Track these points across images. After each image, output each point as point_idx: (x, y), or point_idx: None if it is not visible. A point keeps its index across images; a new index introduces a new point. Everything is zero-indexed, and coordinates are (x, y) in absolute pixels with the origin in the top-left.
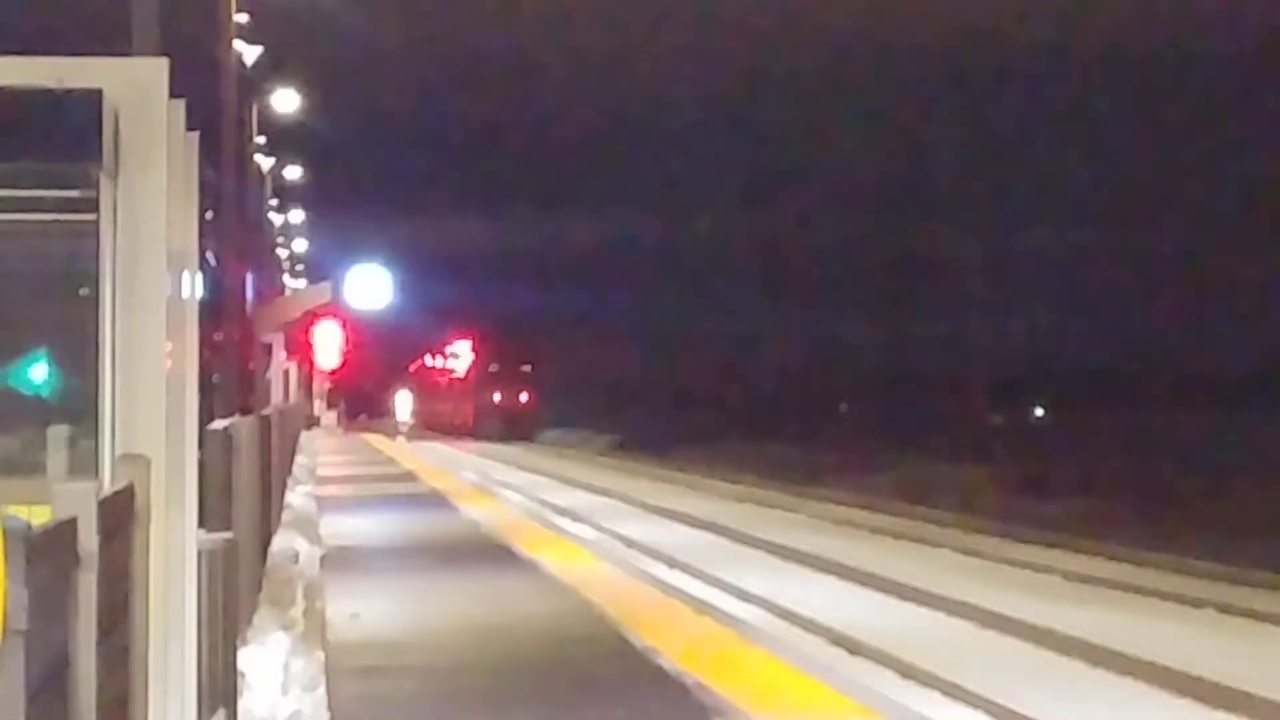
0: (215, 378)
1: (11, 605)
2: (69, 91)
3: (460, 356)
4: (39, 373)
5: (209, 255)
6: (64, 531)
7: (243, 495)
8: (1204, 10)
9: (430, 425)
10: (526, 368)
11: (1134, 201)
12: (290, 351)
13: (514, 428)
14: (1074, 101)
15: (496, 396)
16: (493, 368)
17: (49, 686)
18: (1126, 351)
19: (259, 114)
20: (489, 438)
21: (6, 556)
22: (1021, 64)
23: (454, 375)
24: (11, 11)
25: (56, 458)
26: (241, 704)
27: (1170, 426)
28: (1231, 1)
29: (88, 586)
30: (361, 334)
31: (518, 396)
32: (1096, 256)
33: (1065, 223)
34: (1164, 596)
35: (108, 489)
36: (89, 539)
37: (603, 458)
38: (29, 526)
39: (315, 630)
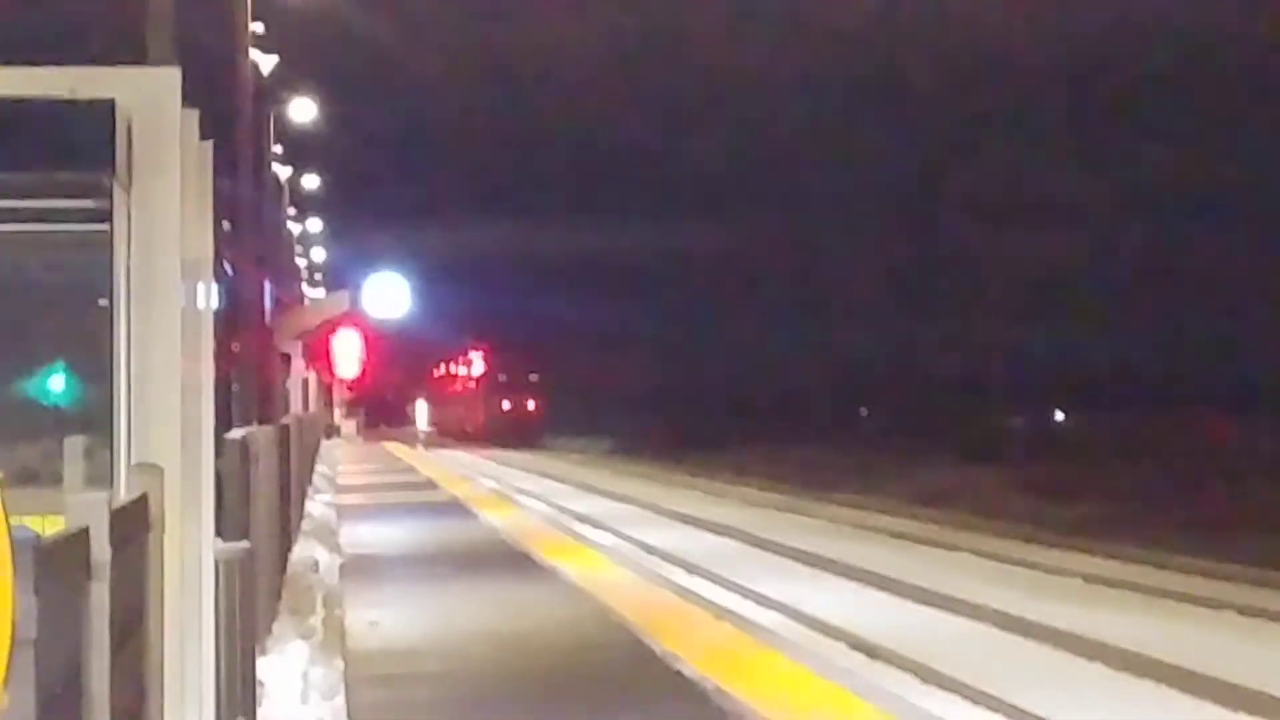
0: (234, 387)
1: (21, 615)
2: (82, 102)
3: (474, 364)
4: (57, 383)
5: (226, 265)
6: (75, 542)
7: (261, 504)
8: (1226, 12)
9: (445, 432)
10: (534, 377)
11: (1157, 202)
12: (309, 360)
13: (522, 434)
14: (1098, 100)
15: (505, 404)
16: (502, 377)
17: (61, 697)
18: (1148, 354)
19: (276, 123)
20: (499, 444)
21: (15, 567)
22: (1039, 63)
23: (467, 384)
24: (25, 22)
25: (73, 468)
26: (261, 713)
27: (1193, 429)
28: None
29: (100, 596)
30: (380, 342)
31: (525, 404)
32: (1119, 258)
33: (1087, 224)
34: (1185, 599)
35: (121, 499)
36: (101, 549)
37: (621, 464)
38: (37, 537)
39: (335, 638)
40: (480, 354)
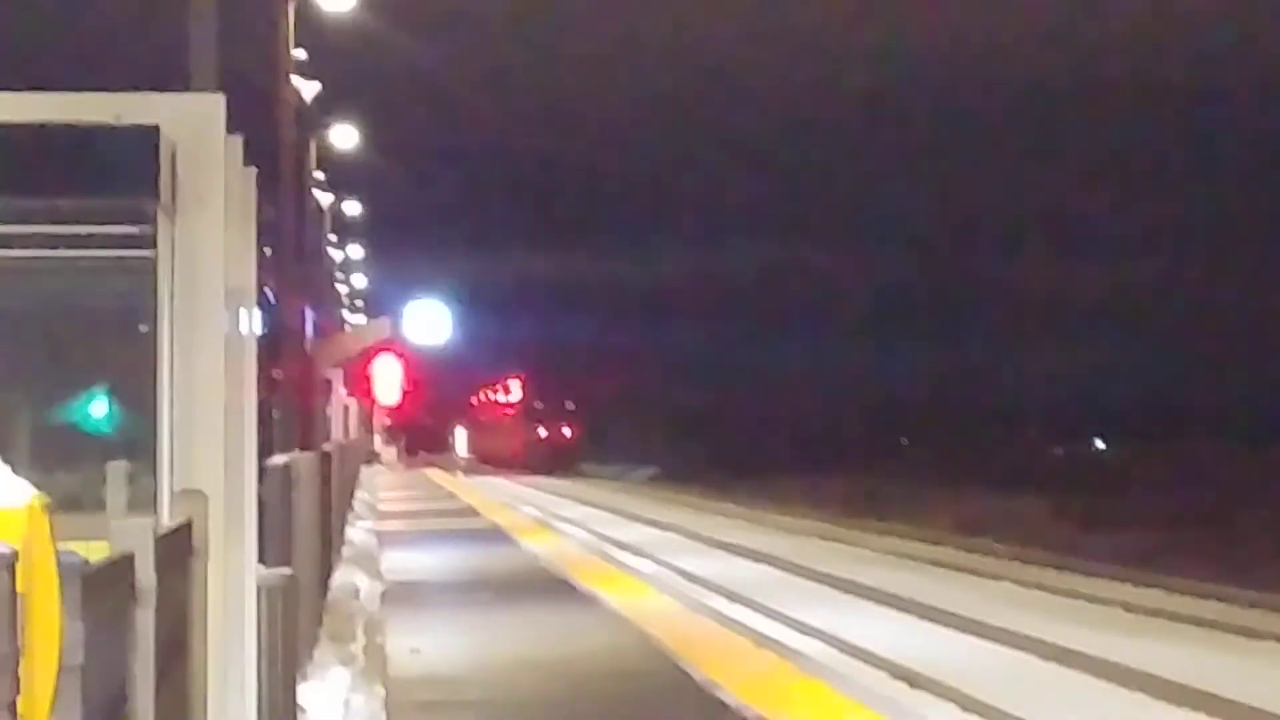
0: (275, 413)
1: (68, 641)
2: (127, 127)
3: (512, 391)
4: (99, 409)
5: (268, 291)
6: (121, 567)
7: (303, 530)
8: (1262, 44)
9: (484, 459)
10: (570, 404)
11: (1195, 233)
12: (350, 387)
13: (559, 461)
14: (1132, 133)
15: (542, 431)
16: (538, 404)
17: None
18: (1188, 383)
19: (318, 149)
20: (538, 471)
21: (63, 592)
22: (1076, 95)
23: (505, 411)
24: (72, 49)
25: (116, 494)
26: None
27: (1232, 459)
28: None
29: (145, 622)
30: (421, 369)
31: (562, 431)
32: (1159, 288)
33: (1127, 254)
34: (1225, 629)
35: (165, 525)
36: (146, 575)
37: (660, 491)
38: (85, 563)
39: (376, 665)
40: (518, 381)
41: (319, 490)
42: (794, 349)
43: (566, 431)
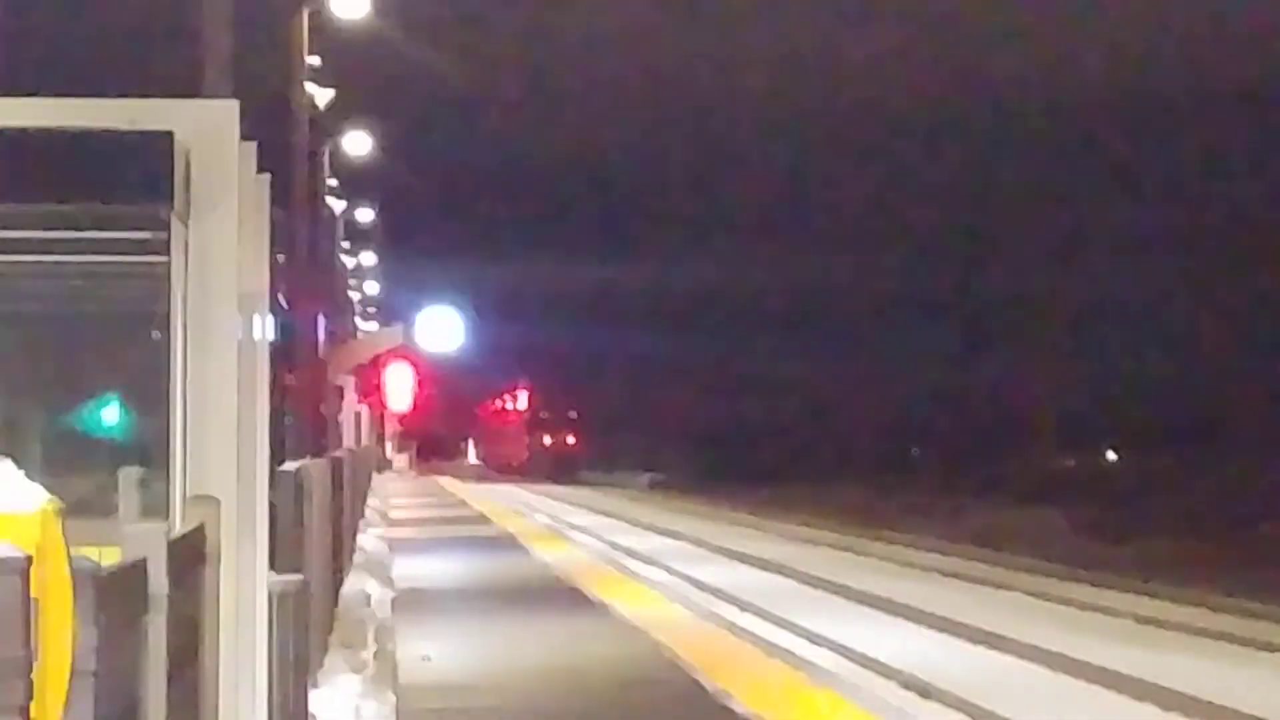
0: (287, 420)
1: (81, 646)
2: (141, 134)
3: (519, 400)
4: (111, 415)
5: (280, 297)
6: (134, 573)
7: (314, 537)
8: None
9: (493, 466)
10: (574, 413)
11: (1211, 241)
12: (362, 394)
13: (563, 468)
14: (1150, 139)
15: (547, 439)
16: (544, 413)
17: None
18: (1201, 393)
19: (331, 156)
20: (545, 478)
21: (76, 597)
22: (1099, 99)
23: (512, 419)
24: (85, 54)
25: (128, 499)
26: None
27: (1245, 470)
28: None
29: (157, 628)
30: (433, 376)
31: (566, 439)
32: (1169, 296)
33: (1139, 262)
34: (1239, 641)
35: (178, 530)
36: (158, 580)
37: (669, 500)
38: (98, 568)
39: (386, 672)
40: (524, 390)
41: (330, 497)
42: (803, 358)
43: (571, 440)
